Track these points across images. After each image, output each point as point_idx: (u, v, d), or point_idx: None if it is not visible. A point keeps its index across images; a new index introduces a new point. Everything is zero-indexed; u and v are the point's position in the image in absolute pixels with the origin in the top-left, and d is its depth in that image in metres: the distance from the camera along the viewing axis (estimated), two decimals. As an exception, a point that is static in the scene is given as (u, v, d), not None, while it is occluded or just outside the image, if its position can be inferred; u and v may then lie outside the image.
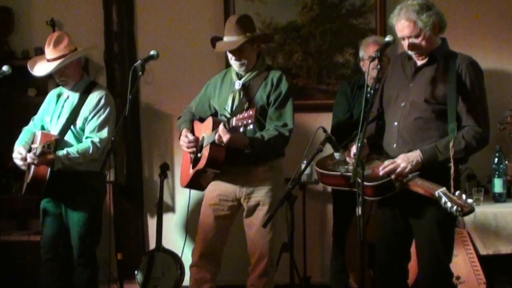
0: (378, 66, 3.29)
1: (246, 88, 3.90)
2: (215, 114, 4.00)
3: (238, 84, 3.91)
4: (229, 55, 3.90)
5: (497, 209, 4.18)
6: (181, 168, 4.21)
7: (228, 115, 3.84)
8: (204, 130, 3.93)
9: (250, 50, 3.87)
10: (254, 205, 3.92)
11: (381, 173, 3.24)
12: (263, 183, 3.91)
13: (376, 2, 4.97)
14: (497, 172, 4.33)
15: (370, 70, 3.77)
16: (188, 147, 3.93)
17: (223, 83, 4.01)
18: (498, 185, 4.33)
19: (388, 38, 3.32)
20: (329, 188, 4.84)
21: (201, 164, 3.82)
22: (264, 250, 3.93)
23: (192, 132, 4.00)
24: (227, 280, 4.70)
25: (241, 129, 3.52)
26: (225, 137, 3.56)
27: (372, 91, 3.43)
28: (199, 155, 3.90)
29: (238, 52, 3.83)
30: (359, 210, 3.15)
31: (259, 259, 3.95)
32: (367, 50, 4.39)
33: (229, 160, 3.78)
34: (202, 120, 4.04)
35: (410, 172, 3.22)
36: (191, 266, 4.07)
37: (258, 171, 3.90)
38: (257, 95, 3.87)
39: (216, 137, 3.60)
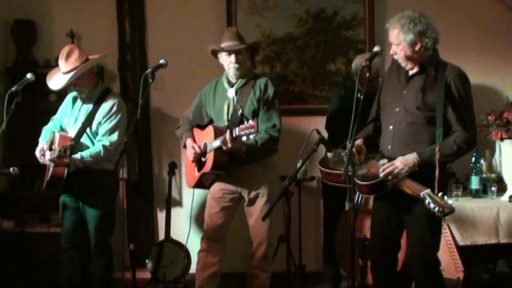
0: (367, 74, 3.33)
1: (238, 95, 3.99)
2: (211, 121, 4.12)
3: (231, 92, 4.00)
4: (229, 59, 3.97)
5: (474, 204, 4.20)
6: (186, 171, 4.30)
7: (226, 123, 3.94)
8: (205, 138, 4.02)
9: (246, 57, 3.99)
10: (253, 197, 4.01)
11: (381, 174, 3.25)
12: (260, 178, 4.00)
13: (365, 16, 5.02)
14: (474, 170, 4.37)
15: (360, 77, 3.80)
16: (194, 159, 4.02)
17: (216, 92, 4.10)
18: (475, 182, 4.36)
19: (376, 49, 3.34)
20: (321, 184, 4.87)
21: (207, 168, 3.92)
22: (264, 236, 4.02)
23: (193, 138, 4.10)
24: (229, 268, 4.71)
25: (244, 138, 3.60)
26: (230, 144, 3.66)
27: (361, 96, 3.44)
28: (203, 159, 3.99)
29: (239, 55, 3.93)
30: (349, 205, 3.17)
31: (259, 244, 4.04)
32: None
33: (230, 161, 3.89)
34: (200, 127, 4.14)
35: (408, 173, 3.24)
36: (200, 252, 4.15)
37: (255, 168, 3.98)
38: (248, 101, 3.96)
39: (221, 141, 3.70)
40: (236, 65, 3.95)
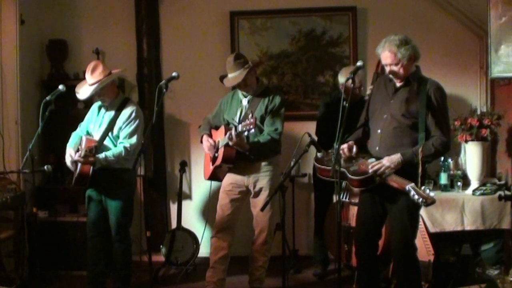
0: (352, 85, 3.38)
1: (250, 103, 4.09)
2: (226, 124, 4.20)
3: (245, 101, 4.11)
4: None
5: (443, 197, 4.23)
6: (204, 165, 4.37)
7: (236, 123, 4.03)
8: (218, 136, 4.13)
9: (250, 77, 4.05)
10: (258, 190, 4.08)
11: (370, 170, 3.30)
12: (264, 174, 4.07)
13: (350, 35, 5.07)
14: (443, 168, 4.44)
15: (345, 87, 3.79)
16: (209, 149, 4.11)
17: (232, 101, 4.22)
18: (443, 178, 4.41)
19: (359, 63, 3.39)
20: (312, 180, 4.84)
21: (218, 161, 4.03)
22: (265, 224, 4.06)
23: (210, 136, 4.20)
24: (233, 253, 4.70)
25: (245, 133, 3.73)
26: (234, 138, 3.77)
27: (346, 104, 3.43)
28: (216, 155, 4.09)
29: (244, 83, 4.00)
30: (336, 198, 3.15)
31: (261, 231, 4.09)
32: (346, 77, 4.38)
33: (239, 158, 3.97)
34: (216, 128, 4.24)
35: (393, 170, 3.28)
36: (212, 237, 4.19)
37: (260, 165, 4.07)
38: (258, 108, 4.06)
39: (227, 136, 3.81)
40: (244, 91, 4.07)
